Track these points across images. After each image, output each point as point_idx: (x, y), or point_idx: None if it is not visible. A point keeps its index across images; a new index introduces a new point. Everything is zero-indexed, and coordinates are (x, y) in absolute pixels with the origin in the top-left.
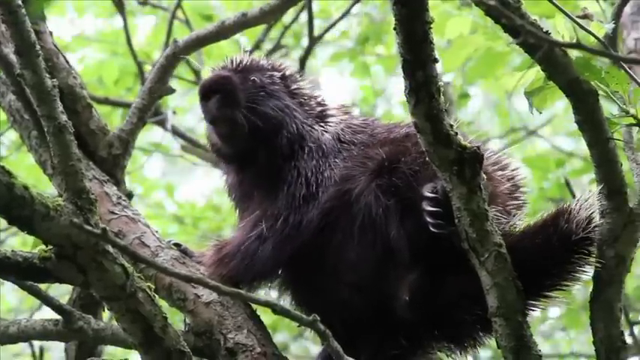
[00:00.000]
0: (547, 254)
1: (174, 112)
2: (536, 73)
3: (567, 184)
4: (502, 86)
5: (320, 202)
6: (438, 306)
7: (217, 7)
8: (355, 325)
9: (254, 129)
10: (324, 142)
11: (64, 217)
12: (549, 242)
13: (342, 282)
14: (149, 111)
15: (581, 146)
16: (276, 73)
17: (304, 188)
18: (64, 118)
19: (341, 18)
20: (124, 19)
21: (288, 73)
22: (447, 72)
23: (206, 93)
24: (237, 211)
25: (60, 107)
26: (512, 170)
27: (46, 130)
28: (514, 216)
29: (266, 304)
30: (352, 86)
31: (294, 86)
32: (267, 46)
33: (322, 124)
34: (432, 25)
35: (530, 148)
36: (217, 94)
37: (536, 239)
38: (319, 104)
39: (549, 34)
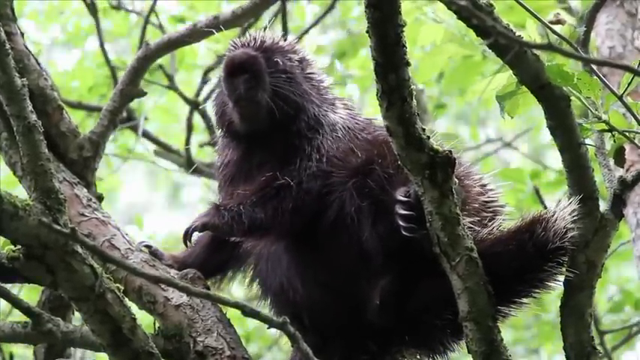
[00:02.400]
0: (520, 260)
1: (146, 119)
2: (507, 77)
3: (537, 192)
4: (475, 93)
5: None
6: (408, 311)
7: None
8: (325, 328)
9: (277, 112)
10: (339, 126)
11: (33, 216)
12: (523, 249)
13: (314, 280)
14: (120, 114)
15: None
16: (294, 56)
17: (318, 163)
18: (33, 117)
19: (314, 24)
20: (97, 22)
21: (304, 56)
22: (421, 82)
23: (234, 71)
24: (227, 187)
25: (29, 107)
26: (484, 184)
27: (15, 129)
28: (487, 224)
29: (235, 305)
30: None
31: (308, 70)
32: None
33: (335, 110)
34: (404, 29)
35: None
36: (245, 74)
37: (509, 245)
38: (329, 91)
39: (521, 37)
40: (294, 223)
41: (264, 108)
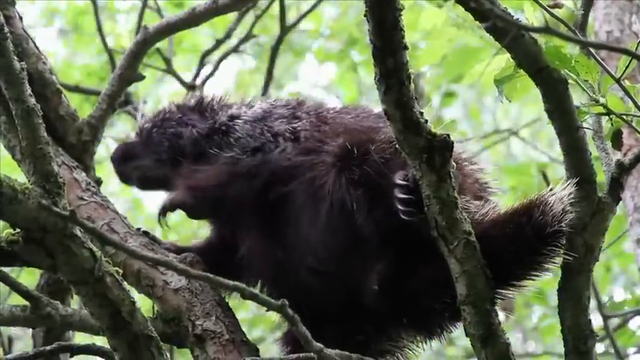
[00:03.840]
0: (518, 243)
1: (144, 102)
2: (505, 61)
3: (544, 177)
4: (473, 76)
5: (272, 159)
6: (406, 295)
7: None
8: (321, 312)
9: (169, 158)
10: (249, 115)
11: (32, 200)
12: (521, 232)
13: (307, 267)
14: (119, 98)
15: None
16: (173, 115)
17: (247, 141)
18: (32, 101)
19: (312, 9)
20: (95, 7)
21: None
22: (423, 65)
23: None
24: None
25: (28, 90)
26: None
27: (14, 113)
28: (484, 205)
29: (234, 288)
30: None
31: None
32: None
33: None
34: (402, 12)
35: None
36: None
37: (506, 228)
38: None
39: (519, 21)
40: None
41: (155, 169)
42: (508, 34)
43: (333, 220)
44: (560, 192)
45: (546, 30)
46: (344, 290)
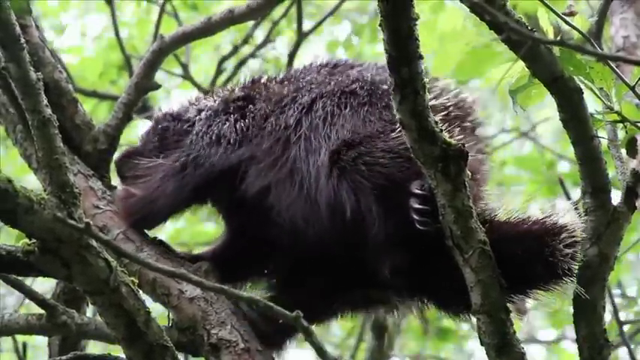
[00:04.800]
0: (527, 270)
1: (159, 109)
2: (521, 70)
3: (561, 183)
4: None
5: (234, 149)
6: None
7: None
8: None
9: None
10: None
11: (48, 210)
12: (531, 263)
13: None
14: (135, 106)
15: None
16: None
17: (202, 139)
18: (48, 111)
19: (329, 15)
20: (113, 13)
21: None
22: (439, 70)
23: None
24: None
25: (44, 101)
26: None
27: (30, 123)
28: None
29: (249, 300)
30: None
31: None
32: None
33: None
34: (417, 22)
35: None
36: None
37: (516, 247)
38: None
39: (534, 31)
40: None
41: None
42: (523, 44)
43: (336, 219)
44: (573, 222)
45: (560, 43)
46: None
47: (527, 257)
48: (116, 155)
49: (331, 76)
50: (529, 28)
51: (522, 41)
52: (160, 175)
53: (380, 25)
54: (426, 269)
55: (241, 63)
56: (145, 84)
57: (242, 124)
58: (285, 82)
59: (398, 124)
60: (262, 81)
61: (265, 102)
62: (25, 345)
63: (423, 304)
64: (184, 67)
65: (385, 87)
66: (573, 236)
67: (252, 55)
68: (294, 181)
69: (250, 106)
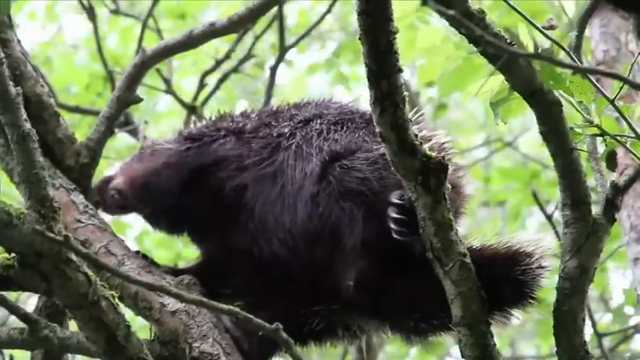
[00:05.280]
0: (498, 289)
1: (146, 122)
2: (501, 82)
3: (535, 196)
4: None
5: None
6: (380, 300)
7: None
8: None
9: None
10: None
11: (27, 225)
12: (498, 285)
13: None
14: (117, 120)
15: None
16: None
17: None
18: (27, 126)
19: (310, 30)
20: (95, 27)
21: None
22: (422, 83)
23: None
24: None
25: (24, 115)
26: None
27: (9, 137)
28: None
29: (229, 311)
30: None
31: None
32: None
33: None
34: (396, 36)
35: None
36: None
37: (488, 268)
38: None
39: (512, 44)
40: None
41: None
42: (502, 57)
43: (313, 222)
44: (540, 247)
45: (537, 56)
46: (317, 276)
47: (496, 280)
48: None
49: (330, 105)
50: (508, 41)
51: (499, 54)
52: (167, 154)
53: (359, 39)
54: (392, 286)
55: (223, 78)
56: (127, 97)
57: (241, 127)
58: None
59: None
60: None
61: (267, 115)
62: (12, 358)
63: (384, 329)
64: (167, 82)
65: None
66: (539, 261)
67: (235, 70)
68: (276, 182)
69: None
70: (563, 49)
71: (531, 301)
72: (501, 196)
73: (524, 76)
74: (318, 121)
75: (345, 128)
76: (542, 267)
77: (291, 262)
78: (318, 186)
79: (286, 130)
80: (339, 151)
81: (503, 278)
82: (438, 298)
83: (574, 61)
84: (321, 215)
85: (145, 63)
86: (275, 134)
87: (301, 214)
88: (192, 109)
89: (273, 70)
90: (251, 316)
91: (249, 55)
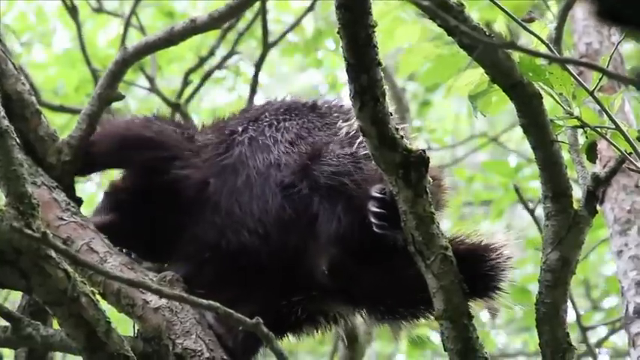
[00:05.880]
0: (471, 282)
1: None
2: (480, 75)
3: (517, 191)
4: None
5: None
6: (354, 287)
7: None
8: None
9: None
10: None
11: (5, 222)
12: (472, 275)
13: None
14: (99, 117)
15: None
16: None
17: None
18: (5, 122)
19: (293, 27)
20: (78, 26)
21: None
22: (400, 77)
23: None
24: None
25: (2, 112)
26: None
27: None
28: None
29: (209, 306)
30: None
31: None
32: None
33: None
34: (375, 29)
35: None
36: None
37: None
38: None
39: (492, 36)
40: None
41: None
42: (482, 50)
43: (286, 211)
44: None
45: (512, 46)
46: (288, 263)
47: (467, 271)
48: None
49: (273, 102)
50: (486, 33)
51: (475, 45)
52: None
53: (338, 33)
54: (366, 272)
55: (207, 75)
56: (109, 95)
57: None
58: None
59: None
60: None
61: (216, 123)
62: (1, 357)
63: (361, 314)
64: (151, 80)
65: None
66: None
67: (219, 67)
68: (239, 173)
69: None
70: (542, 42)
71: (497, 291)
72: (485, 195)
73: (504, 69)
74: (267, 115)
75: (292, 116)
76: (507, 257)
77: (261, 250)
78: (292, 177)
79: (239, 127)
80: (310, 143)
81: (470, 271)
82: (414, 286)
83: (552, 52)
84: (296, 205)
85: (127, 60)
86: (227, 132)
87: (272, 203)
88: (176, 107)
89: (257, 66)
90: (231, 311)
91: (232, 52)
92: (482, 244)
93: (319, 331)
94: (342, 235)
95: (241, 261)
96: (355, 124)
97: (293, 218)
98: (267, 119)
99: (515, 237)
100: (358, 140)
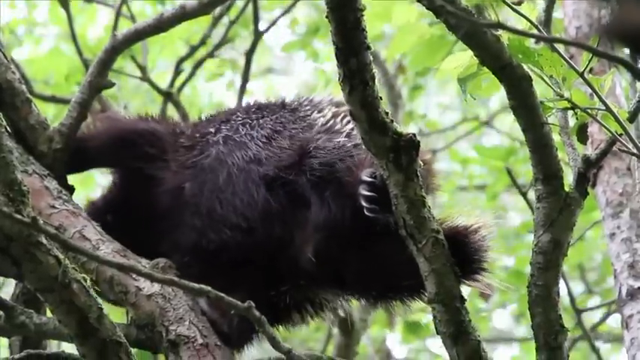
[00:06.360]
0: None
1: (125, 107)
2: (469, 58)
3: (509, 173)
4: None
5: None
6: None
7: None
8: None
9: None
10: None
11: None
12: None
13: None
14: (90, 105)
15: None
16: None
17: None
18: None
19: (285, 12)
20: (68, 14)
21: None
22: (390, 58)
23: None
24: None
25: None
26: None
27: None
28: None
29: (200, 290)
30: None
31: None
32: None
33: None
34: (363, 13)
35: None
36: None
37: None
38: None
39: (484, 19)
40: None
41: None
42: (471, 33)
43: (272, 205)
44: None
45: (499, 26)
46: (275, 254)
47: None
48: None
49: (241, 105)
50: (473, 14)
51: (461, 25)
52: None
53: (327, 17)
54: (354, 256)
55: (199, 64)
56: (99, 82)
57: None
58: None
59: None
60: None
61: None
62: None
63: (350, 298)
64: (142, 69)
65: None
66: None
67: (210, 56)
68: (218, 172)
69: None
70: (532, 23)
71: (480, 272)
72: (479, 177)
73: (493, 51)
74: (239, 114)
75: (265, 113)
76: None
77: (246, 245)
78: (277, 170)
79: (211, 129)
80: (291, 136)
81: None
82: (403, 270)
83: (541, 33)
84: (280, 198)
85: (116, 47)
86: (198, 135)
87: (257, 197)
88: (168, 96)
89: (249, 55)
90: (222, 295)
91: (224, 40)
92: (461, 226)
93: (310, 319)
94: (330, 221)
95: (224, 257)
96: (329, 113)
97: (278, 210)
98: (240, 119)
99: (491, 218)
100: (344, 129)
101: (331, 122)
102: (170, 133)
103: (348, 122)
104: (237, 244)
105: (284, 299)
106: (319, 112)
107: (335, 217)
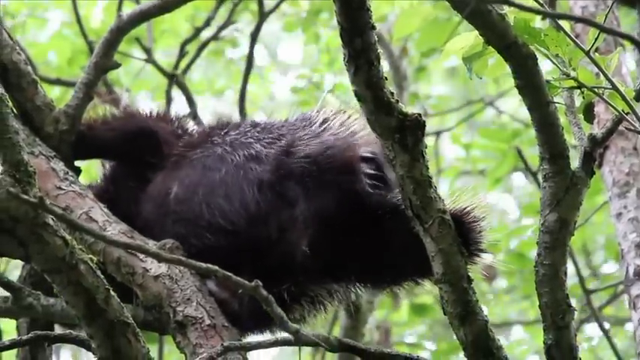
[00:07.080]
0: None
1: (127, 90)
2: (475, 37)
3: (519, 153)
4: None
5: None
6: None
7: None
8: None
9: None
10: None
11: (1, 190)
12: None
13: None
14: (95, 86)
15: None
16: None
17: None
18: (0, 90)
19: None
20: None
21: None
22: (396, 41)
23: None
24: None
25: None
26: None
27: None
28: None
29: (207, 270)
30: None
31: None
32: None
33: None
34: None
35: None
36: None
37: None
38: None
39: None
40: None
41: None
42: (476, 12)
43: (261, 207)
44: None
45: (505, 1)
46: (269, 255)
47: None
48: None
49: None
50: None
51: (467, 3)
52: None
53: None
54: (350, 243)
55: (203, 46)
56: (105, 63)
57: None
58: None
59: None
60: None
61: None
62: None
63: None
64: (147, 51)
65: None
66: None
67: (215, 38)
68: (208, 170)
69: None
70: (537, 2)
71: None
72: (482, 161)
73: (498, 30)
74: (233, 123)
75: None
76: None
77: (235, 248)
78: (268, 174)
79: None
80: (287, 140)
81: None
82: (401, 250)
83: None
84: (269, 199)
85: (121, 28)
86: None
87: (243, 202)
88: (172, 78)
89: (253, 37)
90: (230, 274)
91: (228, 22)
92: (457, 208)
93: (303, 314)
94: (322, 212)
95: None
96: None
97: (267, 212)
98: (236, 128)
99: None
100: (324, 125)
101: (325, 125)
102: (171, 133)
103: (341, 125)
104: (225, 248)
105: (282, 296)
106: (324, 121)
107: (327, 207)
